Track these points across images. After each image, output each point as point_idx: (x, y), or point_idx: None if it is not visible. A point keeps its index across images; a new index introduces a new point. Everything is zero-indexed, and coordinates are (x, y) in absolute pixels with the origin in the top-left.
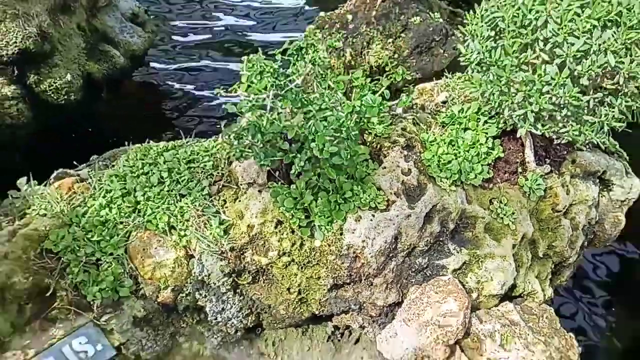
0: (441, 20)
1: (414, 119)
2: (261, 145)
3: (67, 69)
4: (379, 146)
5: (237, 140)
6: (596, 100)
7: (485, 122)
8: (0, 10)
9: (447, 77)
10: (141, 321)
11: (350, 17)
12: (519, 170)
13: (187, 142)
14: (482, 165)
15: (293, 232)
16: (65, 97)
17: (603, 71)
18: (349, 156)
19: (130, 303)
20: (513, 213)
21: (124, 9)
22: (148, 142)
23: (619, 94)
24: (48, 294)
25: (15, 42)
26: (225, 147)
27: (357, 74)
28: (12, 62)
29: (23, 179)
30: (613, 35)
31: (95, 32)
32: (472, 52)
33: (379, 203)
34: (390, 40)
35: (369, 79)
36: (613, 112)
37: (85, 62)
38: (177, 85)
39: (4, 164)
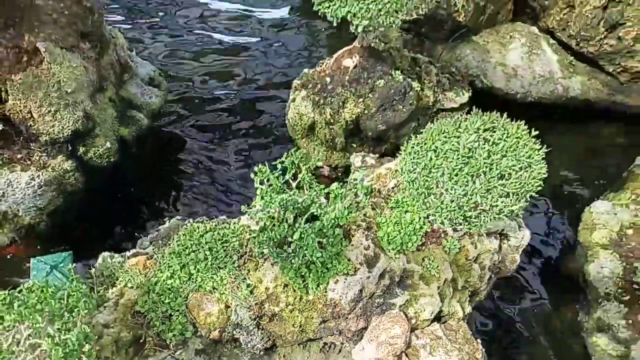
0: (401, 79)
1: (372, 204)
2: (272, 248)
3: (105, 137)
4: (348, 227)
5: (256, 241)
6: (476, 215)
7: (419, 206)
8: (55, 103)
9: (399, 154)
10: (200, 352)
11: (328, 79)
12: (442, 236)
13: (220, 223)
14: (416, 236)
15: (295, 291)
16: (107, 160)
17: (475, 203)
18: (330, 251)
19: (193, 340)
20: (437, 266)
21: (143, 74)
22: (189, 221)
23: (488, 213)
24: (141, 340)
25: (69, 126)
26: (247, 230)
27: (333, 187)
28: (67, 141)
29: (106, 254)
30: (480, 184)
31: (123, 101)
32: (404, 175)
33: (349, 270)
34: (360, 99)
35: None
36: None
37: (117, 128)
38: (189, 139)
39: (67, 227)
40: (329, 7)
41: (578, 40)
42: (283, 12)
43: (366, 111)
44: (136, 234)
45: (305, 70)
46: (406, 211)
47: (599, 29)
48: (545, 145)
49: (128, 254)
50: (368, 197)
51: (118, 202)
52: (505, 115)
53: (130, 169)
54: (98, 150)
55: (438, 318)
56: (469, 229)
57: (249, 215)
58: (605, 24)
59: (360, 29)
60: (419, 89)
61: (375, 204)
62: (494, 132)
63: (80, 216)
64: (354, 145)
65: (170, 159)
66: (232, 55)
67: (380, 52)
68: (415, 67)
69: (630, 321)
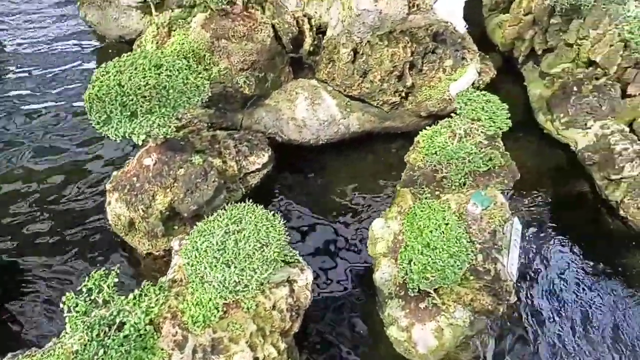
0: (201, 161)
1: (175, 294)
2: None
3: None
4: (158, 321)
5: None
6: (242, 287)
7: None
8: None
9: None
10: None
11: (135, 179)
12: (238, 301)
13: (46, 352)
14: (217, 309)
15: None
16: None
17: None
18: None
19: None
20: (241, 325)
21: None
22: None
23: (250, 284)
24: None
25: None
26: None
27: (135, 292)
28: None
29: None
30: (235, 268)
31: None
32: (186, 268)
33: (164, 357)
34: (168, 190)
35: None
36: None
37: None
38: None
39: None
40: (108, 129)
41: (343, 87)
42: None
43: (176, 198)
44: None
45: (115, 172)
46: (202, 293)
47: (355, 77)
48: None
49: None
50: (166, 291)
51: None
52: (251, 203)
53: None
54: None
55: None
56: (241, 297)
57: (61, 345)
58: (358, 72)
59: (141, 141)
60: (220, 163)
61: (178, 293)
62: (241, 221)
63: None
64: (176, 228)
65: None
66: None
67: (179, 142)
68: (215, 145)
69: (407, 311)
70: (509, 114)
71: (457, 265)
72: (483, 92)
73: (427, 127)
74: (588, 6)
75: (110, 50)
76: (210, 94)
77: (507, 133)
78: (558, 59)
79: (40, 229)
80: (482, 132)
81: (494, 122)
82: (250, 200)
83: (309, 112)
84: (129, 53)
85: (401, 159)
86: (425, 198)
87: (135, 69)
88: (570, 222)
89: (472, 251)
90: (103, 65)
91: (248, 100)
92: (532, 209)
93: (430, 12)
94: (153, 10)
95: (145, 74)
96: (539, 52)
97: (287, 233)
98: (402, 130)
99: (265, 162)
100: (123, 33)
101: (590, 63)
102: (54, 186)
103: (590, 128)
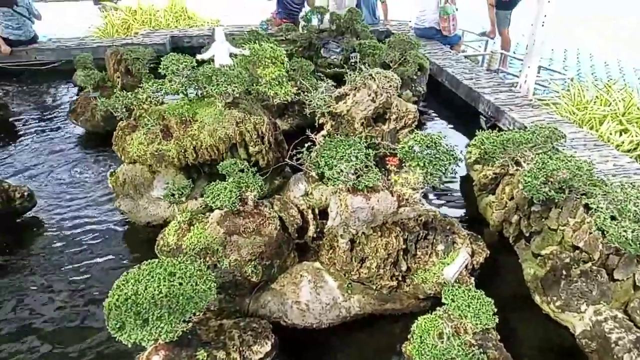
0: (205, 355)
1: None
2: None
3: None
4: None
5: None
6: None
7: None
8: None
9: None
10: None
11: None
12: None
13: None
14: None
15: None
16: None
17: None
18: None
19: None
20: None
21: None
22: None
23: None
24: None
25: None
26: None
27: None
28: None
29: None
30: None
31: None
32: None
33: None
34: None
35: None
36: None
37: None
38: None
39: None
40: (122, 335)
41: (343, 272)
42: None
43: None
44: None
45: None
46: None
47: (353, 263)
48: None
49: None
50: None
51: None
52: None
53: None
54: None
55: None
56: None
57: None
58: (356, 259)
59: (150, 346)
60: (224, 356)
61: None
62: None
63: None
64: None
65: None
66: None
67: (186, 335)
68: (220, 336)
69: None
70: (507, 292)
71: None
72: (468, 288)
73: (421, 317)
74: (562, 198)
75: (139, 235)
76: (219, 285)
77: (509, 310)
78: (545, 241)
79: None
80: (470, 329)
81: (480, 320)
82: None
83: (312, 295)
84: (149, 261)
85: (404, 340)
86: None
87: (152, 277)
88: None
89: None
90: (124, 274)
91: (256, 286)
92: None
93: (418, 204)
94: (176, 209)
95: (159, 283)
96: (527, 234)
97: None
98: (402, 311)
99: (269, 350)
100: (151, 220)
101: (575, 247)
102: None
103: (584, 312)
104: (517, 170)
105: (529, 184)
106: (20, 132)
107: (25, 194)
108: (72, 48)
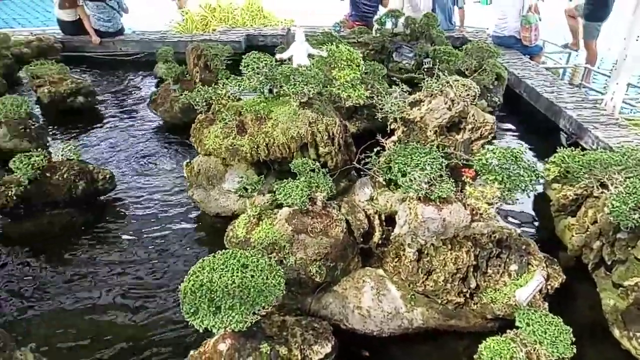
0: (268, 350)
1: None
2: None
3: None
4: None
5: None
6: None
7: None
8: None
9: None
10: None
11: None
12: None
13: None
14: None
15: None
16: None
17: None
18: None
19: None
20: None
21: None
22: None
23: None
24: None
25: None
26: None
27: None
28: None
29: None
30: None
31: None
32: None
33: None
34: None
35: None
36: None
37: None
38: None
39: None
40: (194, 320)
41: (408, 283)
42: None
43: None
44: None
45: (192, 352)
46: None
47: (419, 275)
48: None
49: None
50: None
51: None
52: None
53: None
54: None
55: None
56: None
57: None
58: (422, 271)
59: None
60: (286, 352)
61: None
62: None
63: None
64: None
65: None
66: None
67: (252, 327)
68: (283, 332)
69: None
70: (582, 322)
71: None
72: (545, 313)
73: (490, 338)
74: None
75: (208, 224)
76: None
77: (584, 342)
78: (630, 272)
79: None
80: (544, 356)
81: (557, 348)
82: None
83: (374, 301)
84: (224, 251)
85: (468, 359)
86: None
87: (226, 267)
88: None
89: None
90: (200, 261)
91: (318, 286)
92: None
93: (492, 220)
94: (248, 204)
95: (233, 273)
96: (609, 262)
97: None
98: (467, 329)
99: (329, 352)
100: (220, 211)
101: None
102: None
103: None
104: (602, 193)
105: (617, 209)
106: (105, 118)
107: (107, 176)
108: (154, 41)
